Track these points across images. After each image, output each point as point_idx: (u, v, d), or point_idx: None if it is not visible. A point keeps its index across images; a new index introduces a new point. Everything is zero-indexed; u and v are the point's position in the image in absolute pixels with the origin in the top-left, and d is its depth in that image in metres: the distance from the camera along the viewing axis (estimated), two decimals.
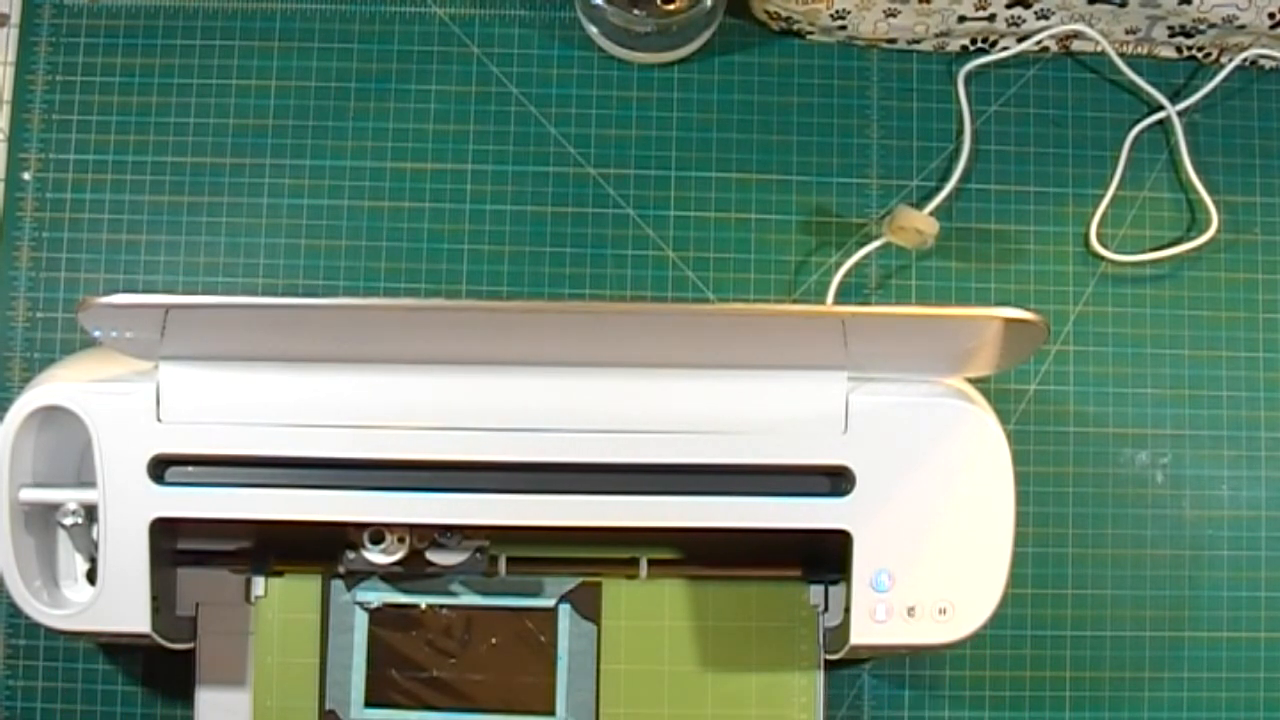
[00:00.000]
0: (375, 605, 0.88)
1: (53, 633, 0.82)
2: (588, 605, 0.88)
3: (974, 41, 1.01)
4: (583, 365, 0.80)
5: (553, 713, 0.88)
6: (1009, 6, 0.97)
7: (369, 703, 0.87)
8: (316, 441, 0.78)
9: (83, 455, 0.81)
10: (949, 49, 1.01)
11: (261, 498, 0.79)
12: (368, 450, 0.78)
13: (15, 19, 1.00)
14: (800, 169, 1.00)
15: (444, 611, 0.88)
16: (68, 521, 0.81)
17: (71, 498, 0.81)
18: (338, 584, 0.88)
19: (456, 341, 0.78)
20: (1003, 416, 0.82)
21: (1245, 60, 1.01)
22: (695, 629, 0.89)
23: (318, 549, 0.85)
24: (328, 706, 0.87)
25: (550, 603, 0.88)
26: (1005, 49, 1.01)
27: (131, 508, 0.78)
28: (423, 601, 0.88)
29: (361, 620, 0.88)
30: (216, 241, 0.98)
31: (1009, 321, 0.72)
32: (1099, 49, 1.00)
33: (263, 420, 0.78)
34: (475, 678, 0.88)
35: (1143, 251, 1.00)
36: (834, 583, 0.88)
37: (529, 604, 0.88)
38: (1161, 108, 1.01)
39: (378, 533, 0.82)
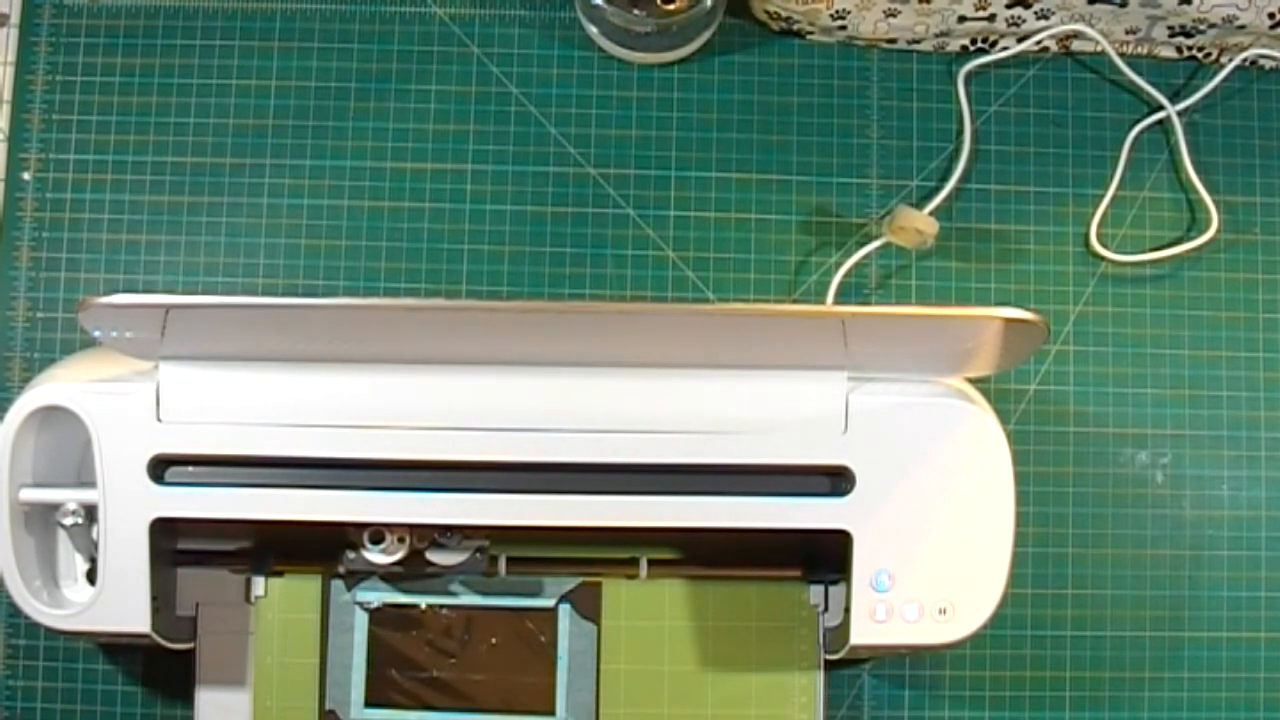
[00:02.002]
0: (375, 605, 0.88)
1: (53, 633, 0.82)
2: (588, 605, 0.88)
3: (974, 41, 1.01)
4: (583, 365, 0.79)
5: (553, 713, 0.88)
6: (1009, 6, 0.97)
7: (369, 703, 0.87)
8: (316, 441, 0.78)
9: (83, 455, 0.81)
10: (949, 49, 1.01)
11: (261, 498, 0.79)
12: (368, 450, 0.78)
13: (15, 19, 1.00)
14: (800, 169, 1.00)
15: (444, 611, 0.88)
16: (68, 521, 0.81)
17: (71, 498, 0.81)
18: (338, 584, 0.88)
19: (456, 341, 0.78)
20: (1003, 416, 0.82)
21: (1245, 60, 1.01)
22: (695, 629, 0.89)
23: (318, 549, 0.85)
24: (328, 706, 0.87)
25: (550, 603, 0.88)
26: (1005, 49, 1.01)
27: (131, 508, 0.78)
28: (423, 601, 0.88)
29: (361, 620, 0.88)
30: (216, 241, 0.98)
31: (1009, 321, 0.72)
32: (1099, 49, 1.00)
33: (263, 420, 0.78)
34: (475, 678, 0.88)
35: (1143, 251, 1.00)
36: (834, 583, 0.88)
37: (529, 604, 0.88)
38: (1161, 108, 1.01)
39: (378, 533, 0.82)
